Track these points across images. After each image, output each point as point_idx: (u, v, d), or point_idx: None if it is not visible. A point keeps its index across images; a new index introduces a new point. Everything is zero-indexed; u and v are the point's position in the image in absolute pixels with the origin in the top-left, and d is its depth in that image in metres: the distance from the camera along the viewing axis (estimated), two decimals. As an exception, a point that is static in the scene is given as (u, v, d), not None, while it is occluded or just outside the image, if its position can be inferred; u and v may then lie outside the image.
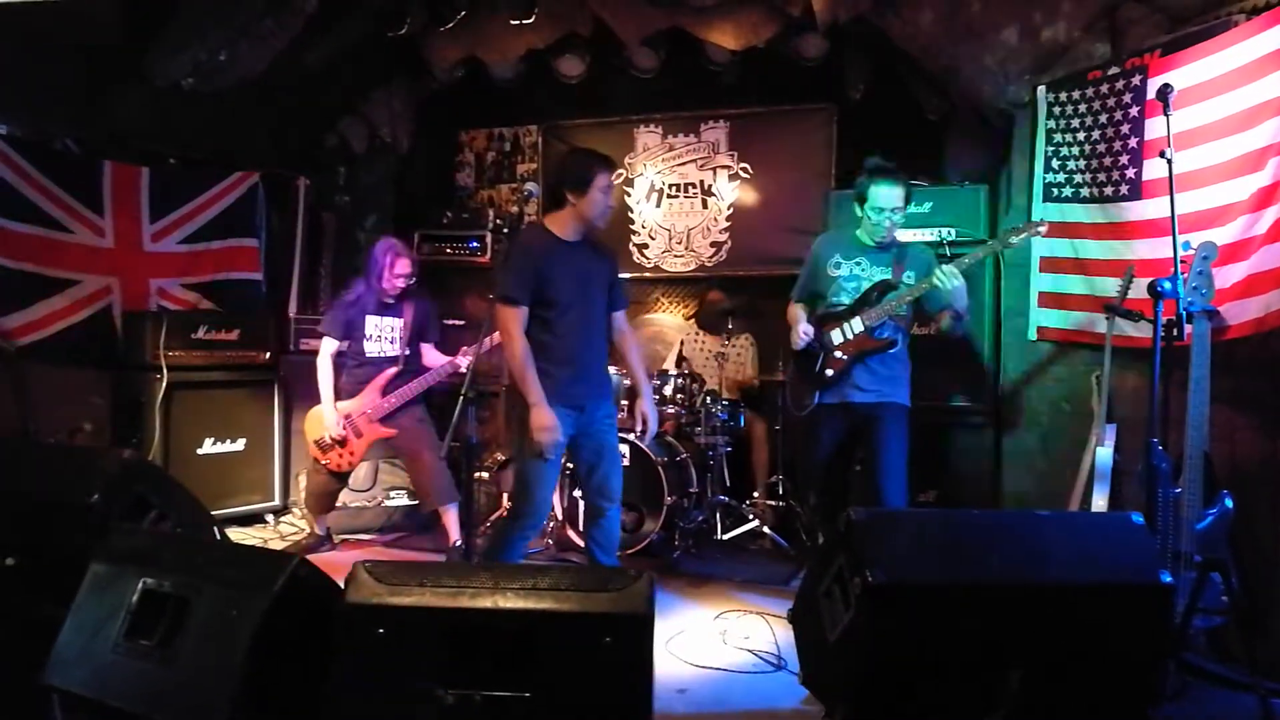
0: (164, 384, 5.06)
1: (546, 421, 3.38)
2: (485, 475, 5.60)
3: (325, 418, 4.76)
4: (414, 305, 4.90)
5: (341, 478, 4.93)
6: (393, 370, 4.78)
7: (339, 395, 4.82)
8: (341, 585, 2.24)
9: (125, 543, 2.53)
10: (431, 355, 4.97)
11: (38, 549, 2.76)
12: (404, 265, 4.76)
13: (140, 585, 2.37)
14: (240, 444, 5.48)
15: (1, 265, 4.82)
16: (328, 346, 4.81)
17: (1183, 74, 3.65)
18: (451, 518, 4.75)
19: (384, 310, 4.83)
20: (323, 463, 4.84)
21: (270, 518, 5.61)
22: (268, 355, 5.58)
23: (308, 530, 5.13)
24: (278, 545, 5.09)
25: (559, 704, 2.13)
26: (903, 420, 3.85)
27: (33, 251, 4.96)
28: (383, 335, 4.84)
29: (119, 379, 5.26)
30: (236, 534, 5.22)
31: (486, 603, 2.17)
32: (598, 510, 3.71)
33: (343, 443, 4.76)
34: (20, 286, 4.92)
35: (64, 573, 2.51)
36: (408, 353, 4.87)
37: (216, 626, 2.24)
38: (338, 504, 5.14)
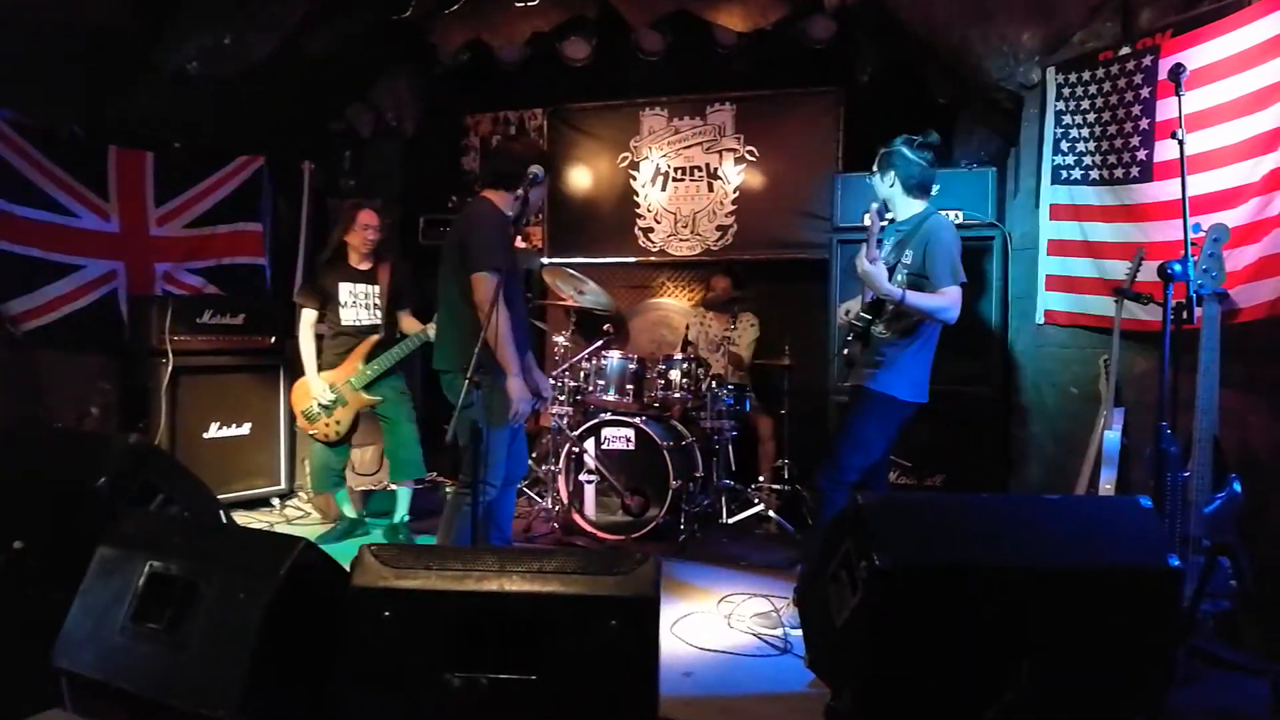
0: (170, 368, 5.07)
1: (526, 392, 3.47)
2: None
3: (311, 385, 4.77)
4: (390, 269, 4.89)
5: (336, 449, 4.91)
6: (375, 338, 4.78)
7: (322, 368, 4.82)
8: (348, 569, 2.24)
9: (132, 526, 2.54)
10: (408, 322, 4.93)
11: (45, 532, 2.77)
12: (368, 216, 4.76)
13: (148, 569, 2.38)
14: (246, 428, 5.49)
15: (8, 250, 4.83)
16: (307, 317, 4.81)
17: (1195, 54, 3.61)
18: (406, 494, 4.85)
19: (358, 276, 4.82)
20: (310, 433, 4.87)
21: (276, 501, 5.62)
22: (273, 340, 5.58)
23: (335, 516, 5.14)
24: (288, 529, 5.10)
25: (565, 687, 2.13)
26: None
27: (39, 236, 4.96)
28: (358, 302, 4.81)
29: (125, 364, 5.27)
30: (242, 518, 5.23)
31: (493, 586, 2.17)
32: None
33: (330, 410, 4.77)
34: (26, 271, 4.92)
35: (71, 556, 2.52)
36: (387, 320, 4.87)
37: (224, 610, 2.25)
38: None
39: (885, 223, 3.60)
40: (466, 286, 3.43)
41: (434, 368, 3.64)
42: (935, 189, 3.79)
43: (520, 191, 3.43)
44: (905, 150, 3.59)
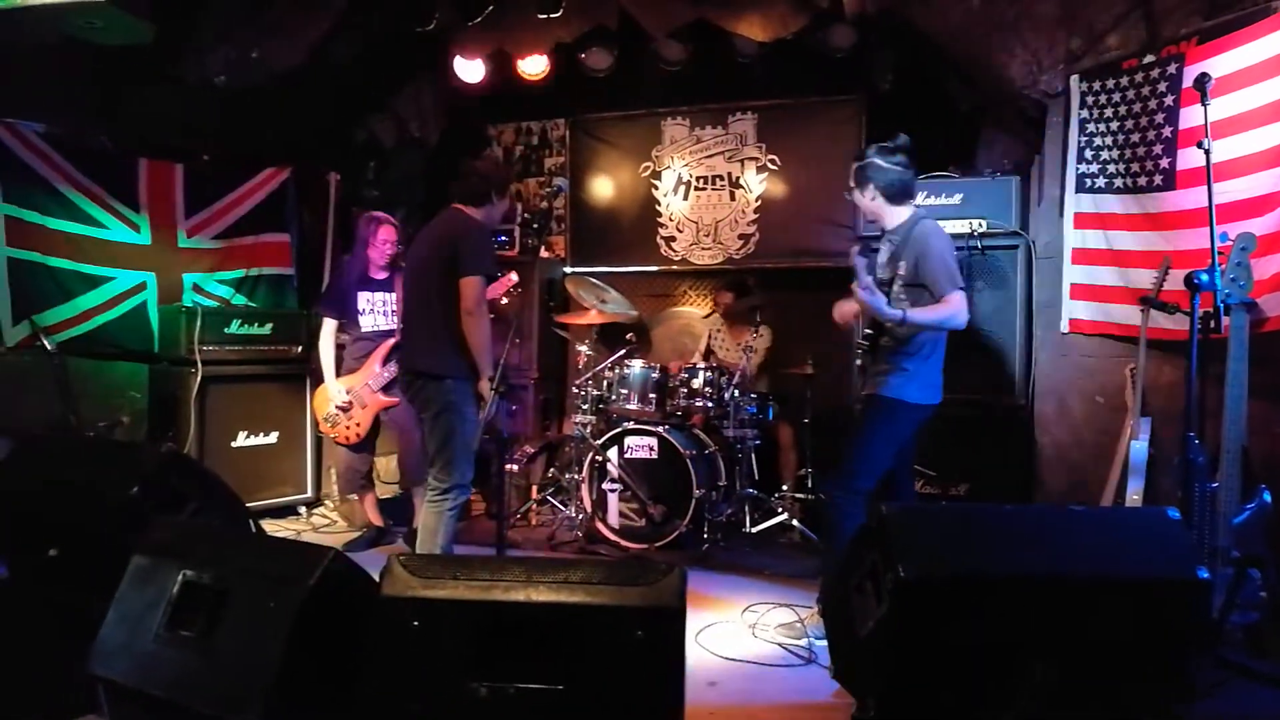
0: (199, 378, 5.14)
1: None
2: (514, 468, 5.64)
3: (329, 390, 4.92)
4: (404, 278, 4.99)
5: (359, 451, 5.01)
6: (391, 341, 4.90)
7: (344, 373, 4.98)
8: (377, 578, 2.26)
9: (165, 535, 2.58)
10: None
11: (79, 540, 2.82)
12: (388, 232, 4.95)
13: (181, 577, 2.41)
14: (273, 437, 5.55)
15: (40, 261, 4.91)
16: (327, 327, 4.98)
17: (1220, 62, 3.59)
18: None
19: (375, 285, 4.99)
20: (331, 436, 5.00)
21: (303, 510, 5.67)
22: (300, 349, 5.64)
23: (361, 524, 5.20)
24: (315, 538, 5.14)
25: (591, 696, 2.14)
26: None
27: (71, 248, 5.05)
28: (375, 309, 4.99)
29: (155, 373, 5.33)
30: (269, 526, 5.27)
31: (520, 596, 2.18)
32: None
33: (347, 411, 4.88)
34: (59, 282, 5.01)
35: (105, 563, 2.56)
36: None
37: (254, 618, 2.27)
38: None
39: (866, 259, 3.53)
40: (456, 293, 3.60)
41: (420, 370, 3.78)
42: (920, 194, 3.74)
43: (488, 207, 3.84)
44: (879, 160, 3.56)
